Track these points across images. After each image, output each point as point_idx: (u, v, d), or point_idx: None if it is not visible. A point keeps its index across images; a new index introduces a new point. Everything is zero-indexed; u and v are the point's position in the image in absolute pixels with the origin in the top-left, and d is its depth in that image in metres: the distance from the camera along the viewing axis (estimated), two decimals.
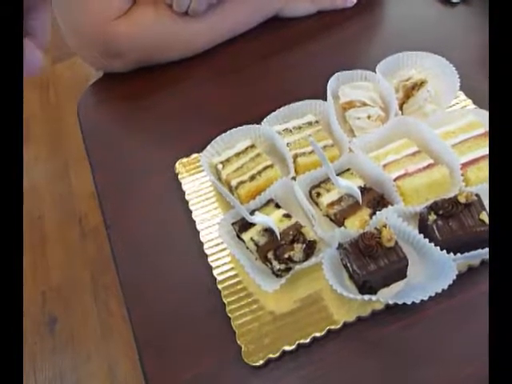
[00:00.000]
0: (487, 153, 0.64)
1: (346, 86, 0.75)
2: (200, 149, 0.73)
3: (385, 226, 0.56)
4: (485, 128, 0.66)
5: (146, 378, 0.56)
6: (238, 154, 0.70)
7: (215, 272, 0.62)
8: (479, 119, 0.67)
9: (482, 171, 0.63)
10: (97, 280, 1.70)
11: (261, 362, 0.55)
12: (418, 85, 0.71)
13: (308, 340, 0.55)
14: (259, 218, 0.60)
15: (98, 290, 1.68)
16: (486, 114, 0.68)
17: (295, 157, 0.68)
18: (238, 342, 0.56)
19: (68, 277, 1.74)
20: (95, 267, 1.73)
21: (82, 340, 1.59)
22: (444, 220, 0.57)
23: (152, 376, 0.56)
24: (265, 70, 0.88)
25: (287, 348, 0.55)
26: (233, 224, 0.64)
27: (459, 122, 0.68)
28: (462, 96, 0.75)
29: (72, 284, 1.72)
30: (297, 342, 0.55)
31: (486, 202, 0.58)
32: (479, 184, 0.61)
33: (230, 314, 0.58)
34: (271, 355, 0.55)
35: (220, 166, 0.69)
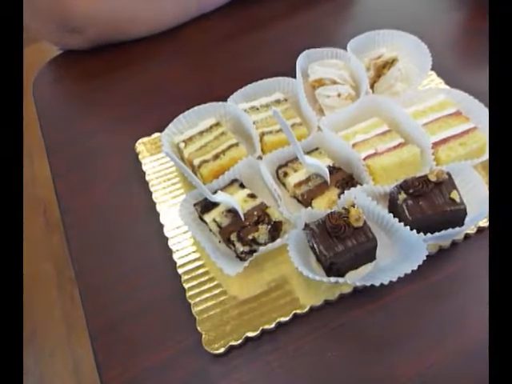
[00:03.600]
0: (458, 132, 0.62)
1: (315, 63, 0.72)
2: (162, 128, 0.69)
3: (353, 206, 0.53)
4: (456, 107, 0.64)
5: (99, 367, 0.52)
6: (201, 133, 0.66)
7: (175, 256, 0.59)
8: (450, 98, 0.66)
9: (453, 151, 0.61)
10: (62, 272, 1.64)
11: (222, 349, 0.51)
12: (390, 63, 0.69)
13: (272, 325, 0.52)
14: (221, 197, 0.57)
15: (63, 283, 1.62)
16: (457, 93, 0.66)
17: (262, 135, 0.65)
18: (199, 328, 0.53)
19: (31, 269, 1.66)
20: (61, 259, 1.66)
21: (45, 335, 1.52)
22: (414, 199, 0.55)
23: (105, 364, 0.52)
24: (232, 48, 0.85)
25: (250, 334, 0.52)
26: (195, 205, 0.60)
27: (430, 101, 0.66)
28: (434, 75, 0.74)
29: (35, 277, 1.65)
30: (260, 328, 0.52)
31: (457, 181, 0.56)
32: (450, 163, 0.59)
33: (190, 300, 0.55)
34: (233, 342, 0.52)
35: (182, 145, 0.65)
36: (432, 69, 0.71)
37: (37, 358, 1.49)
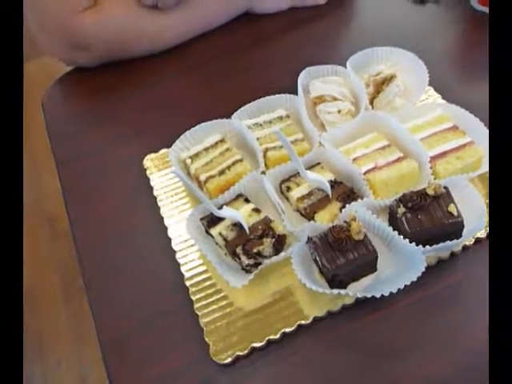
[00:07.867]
0: (455, 146, 0.64)
1: (316, 80, 0.74)
2: (169, 144, 0.71)
3: (354, 219, 0.55)
4: (452, 122, 0.67)
5: (110, 377, 0.54)
6: (207, 149, 0.69)
7: (183, 268, 0.61)
8: (447, 113, 0.68)
9: (451, 164, 0.63)
10: (69, 283, 1.65)
11: (229, 359, 0.53)
12: (388, 79, 0.72)
13: (278, 336, 0.54)
14: (227, 212, 0.59)
15: (69, 294, 1.63)
16: (453, 108, 0.69)
17: (265, 151, 0.67)
18: (206, 339, 0.55)
19: (37, 280, 1.68)
20: (67, 270, 1.68)
21: (51, 346, 1.53)
22: (413, 212, 0.57)
23: (116, 375, 0.54)
24: (235, 65, 0.87)
25: (256, 345, 0.54)
26: (201, 219, 0.62)
27: (428, 116, 0.68)
28: (432, 91, 0.76)
29: (41, 288, 1.66)
30: (266, 338, 0.54)
31: (455, 194, 0.58)
32: (447, 177, 0.61)
33: (197, 312, 0.57)
34: (240, 352, 0.53)
35: (189, 161, 0.68)
36: (430, 84, 0.73)
37: (43, 368, 1.50)
